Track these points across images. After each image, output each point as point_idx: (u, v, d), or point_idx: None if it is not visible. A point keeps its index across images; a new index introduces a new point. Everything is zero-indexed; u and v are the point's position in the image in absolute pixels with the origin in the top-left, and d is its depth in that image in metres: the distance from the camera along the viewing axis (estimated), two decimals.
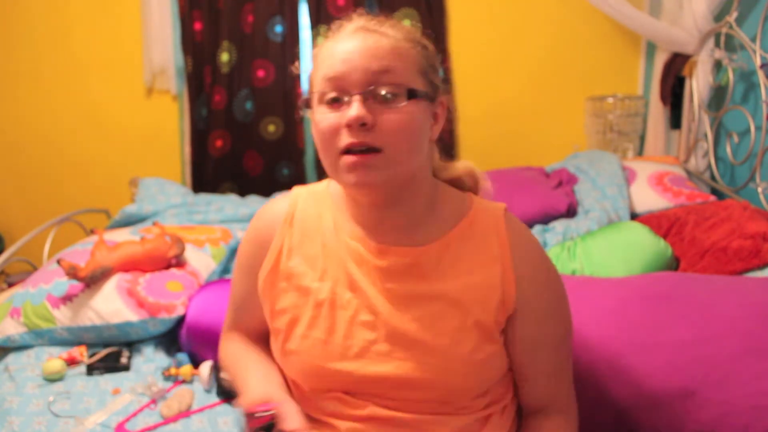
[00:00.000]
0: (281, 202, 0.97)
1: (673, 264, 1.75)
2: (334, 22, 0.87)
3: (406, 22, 0.91)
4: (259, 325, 1.00)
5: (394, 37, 0.80)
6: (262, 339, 1.02)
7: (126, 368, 1.50)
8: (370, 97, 0.78)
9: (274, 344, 0.93)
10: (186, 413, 1.35)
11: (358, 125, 0.77)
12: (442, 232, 0.88)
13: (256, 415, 0.79)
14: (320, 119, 0.81)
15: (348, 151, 0.79)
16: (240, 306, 1.03)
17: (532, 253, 0.88)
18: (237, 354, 1.01)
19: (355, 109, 0.77)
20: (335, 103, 0.80)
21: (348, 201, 0.91)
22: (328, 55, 0.82)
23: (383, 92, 0.78)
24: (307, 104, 0.86)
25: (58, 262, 1.59)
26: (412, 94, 0.79)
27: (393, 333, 0.84)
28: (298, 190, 0.98)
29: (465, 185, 0.98)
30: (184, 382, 1.48)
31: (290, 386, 0.94)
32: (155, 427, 1.30)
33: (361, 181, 0.79)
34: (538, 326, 0.87)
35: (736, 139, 2.17)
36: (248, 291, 0.98)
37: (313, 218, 0.93)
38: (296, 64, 0.88)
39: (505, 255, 0.86)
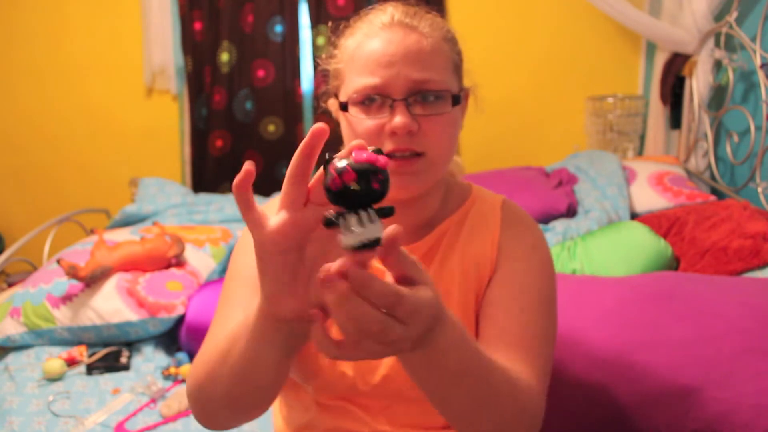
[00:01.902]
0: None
1: (673, 264, 1.75)
2: (366, 9, 0.83)
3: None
4: None
5: (433, 38, 0.77)
6: None
7: (126, 368, 1.51)
8: (411, 101, 0.76)
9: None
10: (186, 412, 1.35)
11: (405, 133, 0.75)
12: (443, 218, 0.87)
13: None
14: (356, 122, 0.78)
15: (390, 153, 0.76)
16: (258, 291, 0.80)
17: (519, 231, 0.87)
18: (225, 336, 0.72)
19: (401, 117, 0.74)
20: (373, 104, 0.77)
21: None
22: (364, 54, 0.77)
23: (429, 98, 0.76)
24: (336, 97, 0.82)
25: (58, 262, 1.59)
26: (456, 101, 0.78)
27: None
28: None
29: (451, 173, 0.97)
30: (183, 381, 1.48)
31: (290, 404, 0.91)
32: (155, 426, 1.30)
33: (404, 187, 0.78)
34: (506, 286, 0.83)
35: (736, 139, 2.17)
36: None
37: None
38: (331, 61, 0.78)
39: (495, 232, 0.86)
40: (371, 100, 0.76)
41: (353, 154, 0.48)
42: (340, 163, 0.47)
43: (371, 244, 0.47)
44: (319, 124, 0.50)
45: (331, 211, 0.48)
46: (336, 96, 0.83)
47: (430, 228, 0.86)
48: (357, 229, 0.46)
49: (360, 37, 0.79)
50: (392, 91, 0.75)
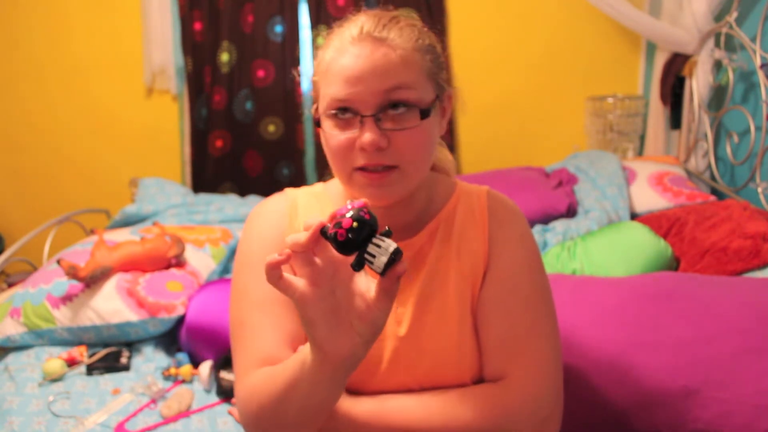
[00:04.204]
0: (277, 200, 0.92)
1: (673, 264, 1.75)
2: (336, 22, 0.83)
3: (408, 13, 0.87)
4: (302, 332, 0.83)
5: (403, 48, 0.77)
6: None
7: (126, 368, 1.50)
8: (382, 116, 0.76)
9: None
10: (186, 413, 1.35)
11: (374, 150, 0.76)
12: (432, 215, 0.89)
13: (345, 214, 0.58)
14: (330, 136, 0.79)
15: (362, 167, 0.78)
16: (270, 310, 0.82)
17: (507, 218, 0.89)
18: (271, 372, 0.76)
19: (369, 134, 0.75)
20: (344, 119, 0.78)
21: None
22: (334, 70, 0.77)
23: (398, 111, 0.76)
24: (315, 111, 0.84)
25: (58, 262, 1.59)
26: (425, 114, 0.78)
27: (408, 335, 0.83)
28: (292, 191, 0.94)
29: (445, 172, 0.99)
30: (183, 382, 1.48)
31: None
32: (155, 427, 1.30)
33: (378, 199, 0.79)
34: (499, 285, 0.85)
35: (736, 139, 2.17)
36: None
37: (316, 216, 0.90)
38: (297, 69, 0.78)
39: (483, 223, 0.88)
40: (343, 113, 0.77)
41: (337, 215, 0.58)
42: (334, 224, 0.58)
43: (397, 255, 0.56)
44: (322, 222, 0.60)
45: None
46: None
47: (420, 225, 0.88)
48: (379, 253, 0.56)
49: (332, 51, 0.79)
50: (361, 107, 0.76)
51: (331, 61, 0.79)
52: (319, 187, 0.95)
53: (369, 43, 0.76)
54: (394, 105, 0.76)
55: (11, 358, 1.54)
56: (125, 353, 1.55)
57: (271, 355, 0.79)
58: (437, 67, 0.82)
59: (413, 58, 0.78)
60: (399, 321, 0.84)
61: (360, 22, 0.79)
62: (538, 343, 0.82)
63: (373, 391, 0.83)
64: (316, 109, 0.84)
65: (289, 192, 0.94)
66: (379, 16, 0.80)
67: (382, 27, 0.78)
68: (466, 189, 0.92)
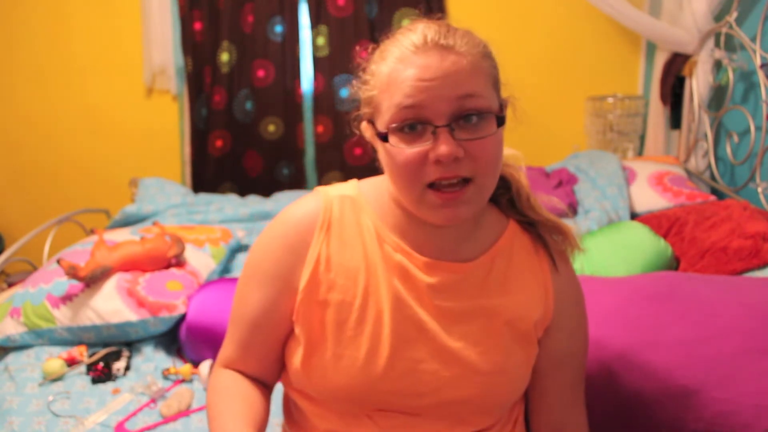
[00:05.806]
0: (311, 204, 0.85)
1: (673, 264, 1.75)
2: (397, 30, 0.79)
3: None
4: (272, 353, 0.87)
5: (471, 54, 0.73)
6: (268, 376, 0.90)
7: (123, 373, 1.50)
8: (456, 126, 0.72)
9: (293, 357, 0.84)
10: (185, 412, 1.35)
11: (451, 160, 0.71)
12: (485, 248, 0.85)
13: None
14: (397, 151, 0.74)
15: (434, 184, 0.73)
16: (253, 326, 0.85)
17: (567, 270, 0.90)
18: (228, 389, 0.86)
19: (445, 145, 0.71)
20: (414, 132, 0.73)
21: (395, 214, 0.84)
22: (400, 79, 0.73)
23: (471, 121, 0.73)
24: (369, 123, 0.80)
25: (58, 262, 1.59)
26: (501, 121, 0.75)
27: (441, 351, 0.81)
28: (327, 193, 0.87)
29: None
30: (183, 381, 1.48)
31: (295, 407, 0.90)
32: (155, 426, 1.30)
33: (452, 218, 0.75)
34: (568, 340, 0.88)
35: (736, 139, 2.18)
36: (268, 305, 0.84)
37: (351, 226, 0.84)
38: (356, 79, 0.76)
39: (545, 271, 0.87)
40: (412, 128, 0.73)
41: None
42: None
43: None
44: None
45: None
46: (370, 122, 0.80)
47: (462, 249, 0.84)
48: None
49: (392, 62, 0.75)
50: (433, 117, 0.72)
51: (392, 72, 0.74)
52: (352, 188, 0.88)
53: (436, 52, 0.73)
54: (467, 116, 0.73)
55: (11, 358, 1.54)
56: (125, 353, 1.55)
57: (235, 365, 0.89)
58: (497, 74, 0.80)
59: (481, 65, 0.75)
60: (440, 352, 0.82)
61: (420, 30, 0.75)
62: (584, 399, 0.94)
63: (403, 409, 0.82)
64: (371, 125, 0.80)
65: (323, 194, 0.87)
66: (438, 24, 0.76)
67: (446, 32, 0.74)
68: (520, 227, 0.90)
